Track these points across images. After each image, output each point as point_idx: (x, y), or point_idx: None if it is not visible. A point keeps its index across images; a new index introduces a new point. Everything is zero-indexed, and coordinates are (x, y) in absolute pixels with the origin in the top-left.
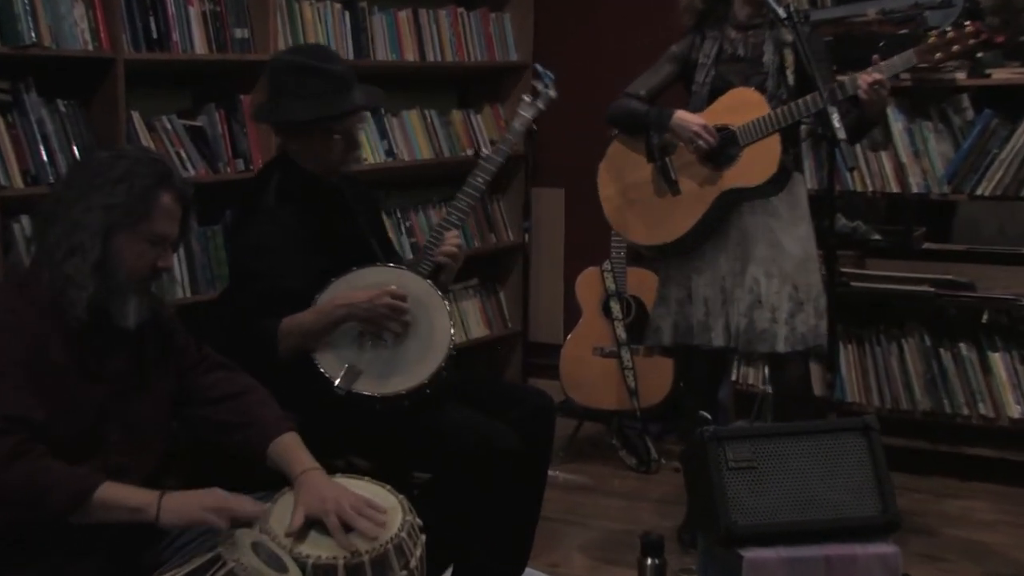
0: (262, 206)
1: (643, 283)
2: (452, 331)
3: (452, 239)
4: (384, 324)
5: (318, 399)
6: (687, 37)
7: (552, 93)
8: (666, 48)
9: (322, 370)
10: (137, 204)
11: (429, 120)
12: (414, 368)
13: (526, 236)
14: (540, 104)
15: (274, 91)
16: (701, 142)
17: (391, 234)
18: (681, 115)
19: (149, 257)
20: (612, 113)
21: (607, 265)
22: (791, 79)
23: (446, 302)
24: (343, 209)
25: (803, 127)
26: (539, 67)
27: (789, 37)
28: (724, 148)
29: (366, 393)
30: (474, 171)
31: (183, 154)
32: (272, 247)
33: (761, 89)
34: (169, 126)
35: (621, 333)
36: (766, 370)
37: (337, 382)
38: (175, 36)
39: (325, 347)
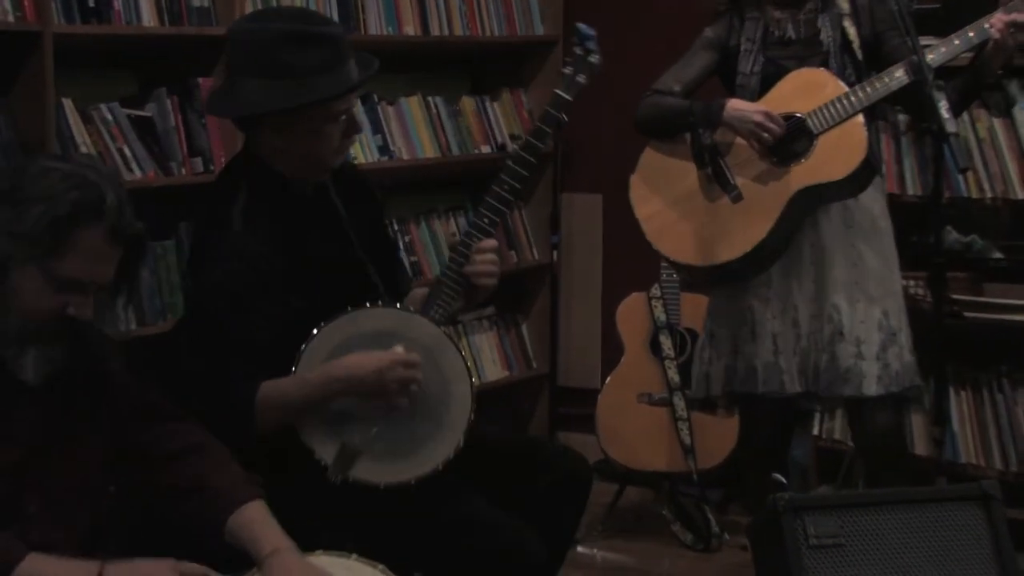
0: (225, 231)
1: (700, 312)
2: (472, 402)
3: (487, 255)
4: (392, 398)
5: (299, 479)
6: (723, 18)
7: (596, 60)
8: (701, 33)
9: (311, 448)
10: (44, 235)
11: (434, 109)
12: (426, 448)
13: (554, 254)
14: (581, 77)
15: (235, 71)
16: (766, 133)
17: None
18: (736, 103)
19: (54, 301)
20: (643, 117)
21: (656, 290)
22: (859, 55)
23: (465, 359)
24: (331, 226)
25: (902, 118)
26: (581, 27)
27: (846, 6)
28: (792, 140)
29: (367, 481)
30: (507, 164)
31: (127, 152)
32: (239, 290)
33: None
34: (109, 116)
35: (673, 375)
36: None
37: (330, 467)
38: (117, 5)
39: (312, 420)
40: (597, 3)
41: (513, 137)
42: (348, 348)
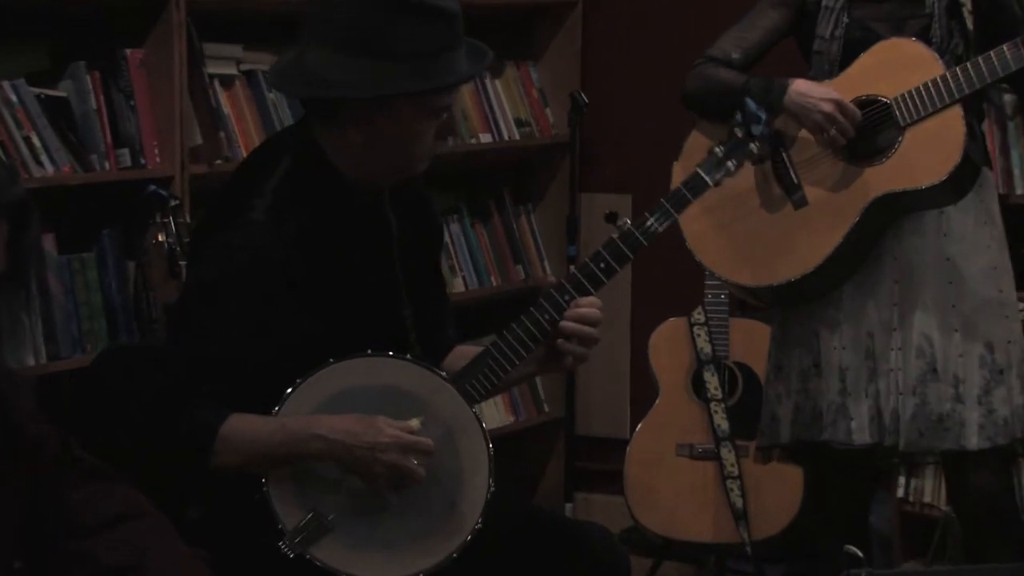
0: (241, 218)
1: (754, 343)
2: (485, 505)
3: (589, 312)
4: (380, 486)
5: (251, 542)
6: None
7: (756, 148)
8: None
9: (272, 506)
10: None
11: None
12: (413, 547)
13: (571, 270)
14: (733, 163)
15: (312, 39)
16: (834, 130)
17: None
18: (801, 86)
19: None
20: (691, 90)
21: (699, 315)
22: (969, 22)
23: (491, 451)
24: (376, 246)
25: (1008, 99)
26: (751, 104)
27: None
28: (873, 132)
29: (327, 566)
30: (599, 251)
31: (35, 141)
32: (237, 294)
33: (924, 41)
34: (13, 97)
35: (721, 422)
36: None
37: (287, 534)
38: None
39: (285, 473)
40: None
41: (520, 123)
42: (351, 401)
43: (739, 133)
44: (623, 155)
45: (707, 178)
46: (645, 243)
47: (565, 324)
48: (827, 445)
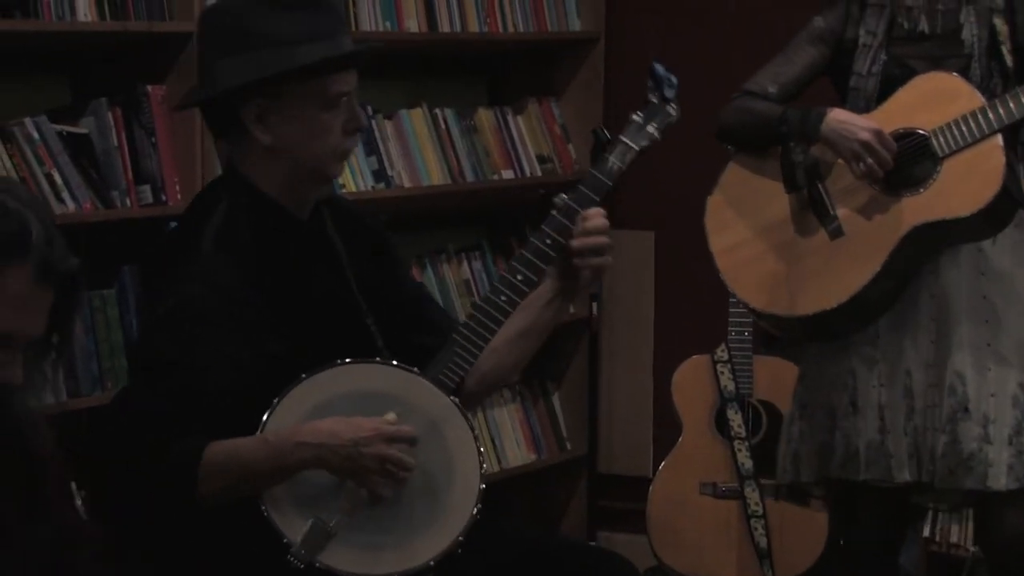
0: (191, 252)
1: (779, 381)
2: (481, 483)
3: (595, 222)
4: (373, 482)
5: (256, 565)
6: (837, 5)
7: (673, 111)
8: (807, 22)
9: (274, 522)
10: None
11: (442, 125)
12: (417, 539)
13: (593, 306)
14: (654, 128)
15: (207, 58)
16: (871, 160)
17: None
18: (840, 115)
19: None
20: (727, 122)
21: (723, 352)
22: (1009, 61)
23: (476, 433)
24: (325, 263)
25: None
26: (659, 68)
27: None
28: (911, 163)
29: (336, 570)
30: (541, 229)
31: (57, 178)
32: (198, 322)
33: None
34: (35, 134)
35: (745, 460)
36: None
37: (294, 546)
38: None
39: (279, 488)
40: None
41: (542, 160)
42: (330, 411)
43: (653, 99)
44: (645, 192)
45: (632, 143)
46: (581, 211)
47: (577, 242)
48: (865, 484)
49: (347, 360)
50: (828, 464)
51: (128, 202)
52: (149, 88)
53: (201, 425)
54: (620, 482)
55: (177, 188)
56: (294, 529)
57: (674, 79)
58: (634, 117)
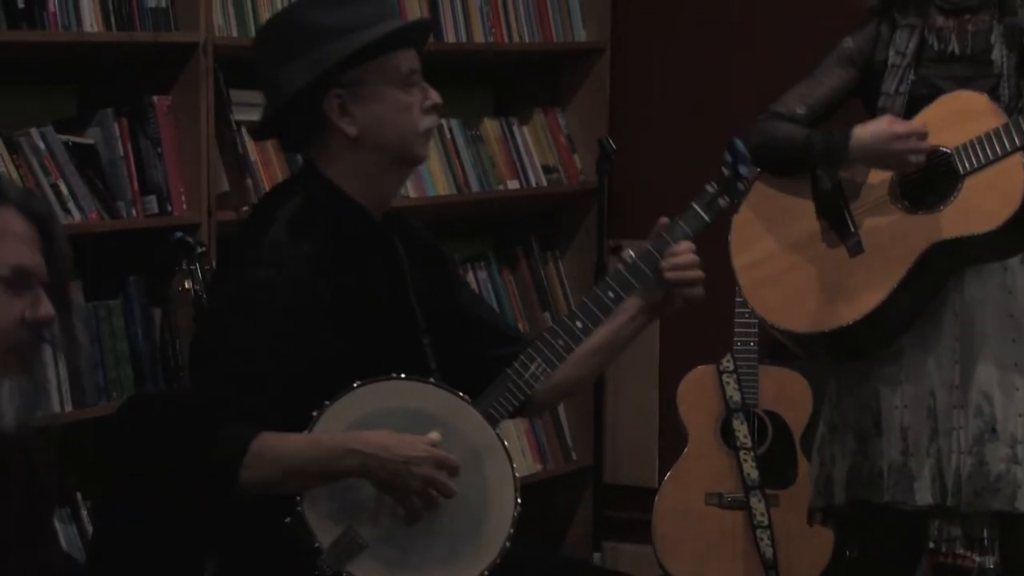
0: (264, 236)
1: (784, 391)
2: (512, 524)
3: (685, 257)
4: (412, 501)
5: (282, 562)
6: (867, 26)
7: (744, 187)
8: (834, 41)
9: (308, 524)
10: None
11: (448, 135)
12: (445, 565)
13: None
14: (725, 201)
15: (274, 64)
16: (912, 156)
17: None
18: (862, 132)
19: (9, 306)
20: (758, 146)
21: (728, 363)
22: None
23: (515, 471)
24: (390, 268)
25: None
26: (739, 142)
27: None
28: (934, 182)
29: None
30: (604, 281)
31: (63, 188)
32: (265, 306)
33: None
34: (42, 144)
35: (751, 470)
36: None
37: (324, 551)
38: (52, 6)
39: (320, 491)
40: (654, 5)
41: (548, 170)
42: (378, 423)
43: (726, 172)
44: (651, 202)
45: (703, 214)
46: (650, 274)
47: (672, 275)
48: (887, 507)
49: (402, 376)
50: (855, 486)
51: (134, 212)
52: (155, 98)
53: (254, 408)
54: (626, 492)
55: (183, 198)
56: (326, 534)
57: (750, 155)
58: (707, 188)
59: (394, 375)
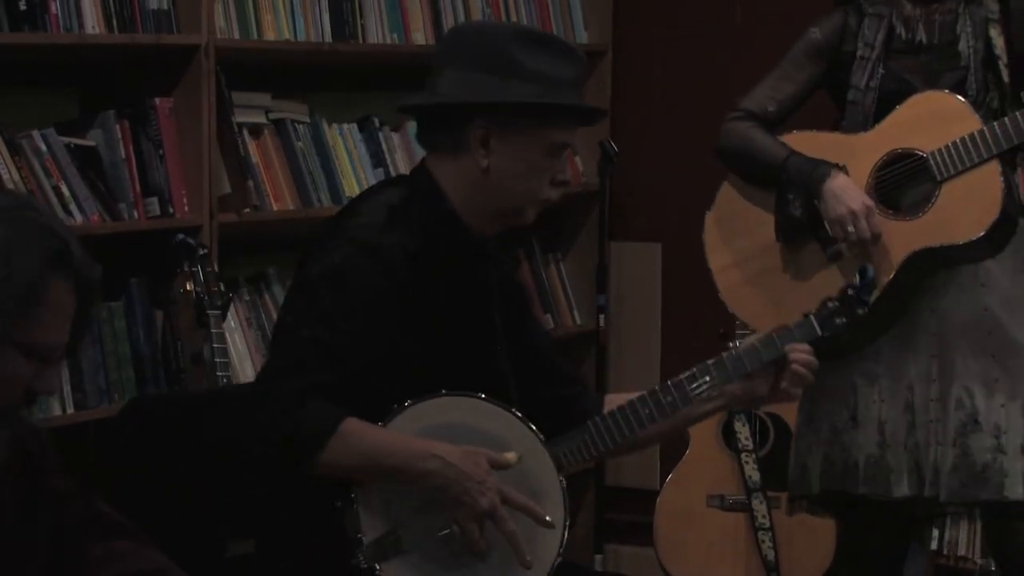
0: (364, 219)
1: None
2: (555, 566)
3: (809, 355)
4: (470, 523)
5: (319, 552)
6: (833, 16)
7: (862, 312)
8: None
9: (358, 512)
10: (14, 301)
11: None
12: None
13: (601, 318)
14: (842, 321)
15: (448, 66)
16: (851, 228)
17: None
18: (841, 184)
19: (22, 376)
20: (727, 148)
21: None
22: (1005, 75)
23: (567, 524)
24: (479, 289)
25: None
26: (870, 269)
27: (995, 8)
28: (909, 186)
29: None
30: (703, 364)
31: (65, 190)
32: (359, 284)
33: (958, 92)
34: (43, 146)
35: (752, 472)
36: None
37: (365, 545)
38: (54, 8)
39: (374, 488)
40: (655, 7)
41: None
42: (452, 437)
43: (851, 293)
44: (653, 204)
45: (818, 329)
46: (749, 370)
47: (795, 368)
48: (864, 499)
49: (484, 397)
50: (830, 477)
51: (135, 214)
52: (157, 101)
53: (328, 380)
54: (627, 494)
55: (184, 200)
56: (372, 528)
57: (872, 273)
58: (829, 304)
59: (482, 395)
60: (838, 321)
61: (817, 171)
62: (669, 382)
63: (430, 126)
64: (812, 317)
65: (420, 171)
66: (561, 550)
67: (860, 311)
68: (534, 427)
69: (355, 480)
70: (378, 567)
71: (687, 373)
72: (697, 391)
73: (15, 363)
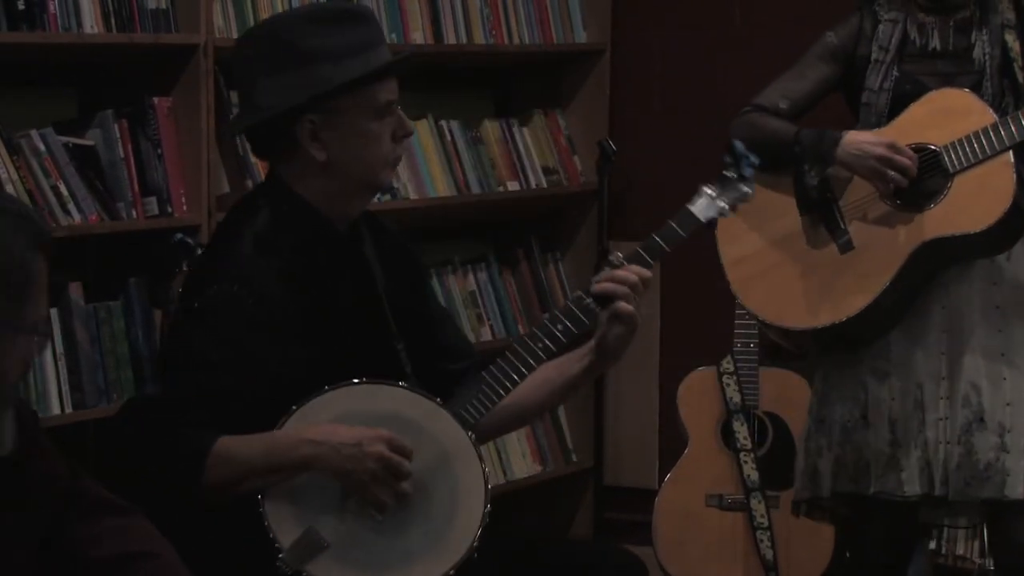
0: (232, 250)
1: (784, 393)
2: (481, 525)
3: (625, 272)
4: (368, 488)
5: (247, 565)
6: (850, 21)
7: (748, 189)
8: (819, 38)
9: (267, 524)
10: (15, 285)
11: (448, 136)
12: (409, 567)
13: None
14: (725, 202)
15: (247, 79)
16: (891, 172)
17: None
18: (853, 138)
19: (32, 354)
20: (737, 137)
21: (728, 364)
22: (1021, 78)
23: (487, 478)
24: (360, 280)
25: None
26: (739, 144)
27: (1011, 16)
28: (922, 179)
29: None
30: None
31: (63, 190)
32: (229, 321)
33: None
34: (42, 146)
35: (751, 472)
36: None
37: (284, 551)
38: (52, 7)
39: (281, 491)
40: (654, 7)
41: (548, 172)
42: (350, 424)
43: (729, 174)
44: (651, 203)
45: (698, 216)
46: (651, 260)
47: (596, 287)
48: (875, 498)
49: (372, 379)
50: (841, 478)
51: (134, 214)
52: (155, 100)
53: (216, 420)
54: (626, 494)
55: (183, 200)
56: (287, 535)
57: (754, 159)
58: (705, 189)
59: (364, 379)
60: (721, 203)
61: (827, 136)
62: (555, 310)
63: (260, 139)
64: (689, 206)
65: (275, 185)
66: (487, 500)
67: (745, 187)
68: (426, 392)
69: (259, 494)
70: (303, 570)
71: (550, 314)
72: (564, 329)
73: (27, 343)
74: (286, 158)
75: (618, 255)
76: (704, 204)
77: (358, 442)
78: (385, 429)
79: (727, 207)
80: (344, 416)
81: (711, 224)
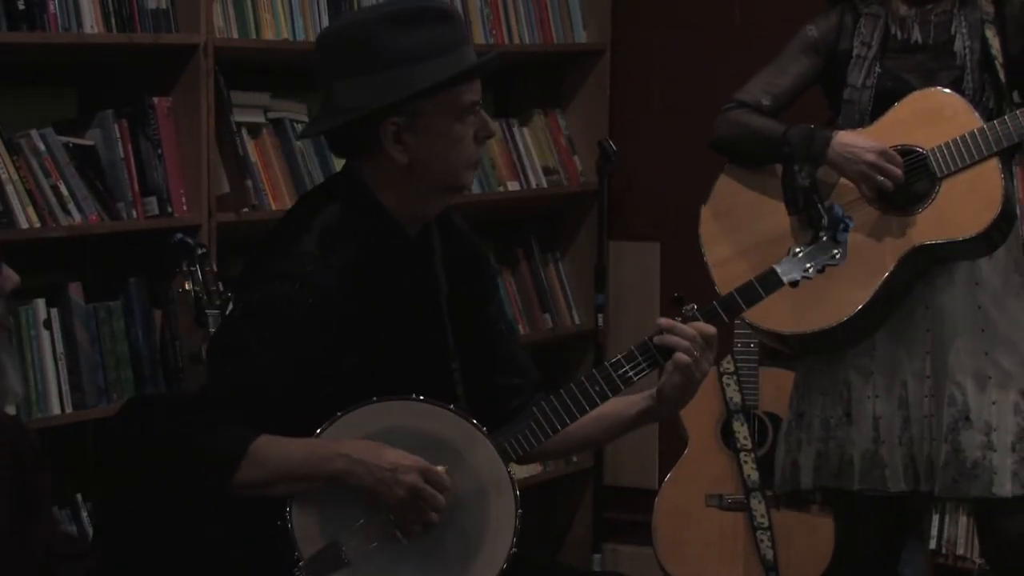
0: (294, 246)
1: (784, 393)
2: (509, 556)
3: (689, 329)
4: (395, 513)
5: (252, 567)
6: (830, 14)
7: (839, 255)
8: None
9: (292, 531)
10: None
11: None
12: None
13: (599, 318)
14: (812, 266)
15: (327, 81)
16: (880, 178)
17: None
18: (844, 139)
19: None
20: (724, 137)
21: (728, 364)
22: (1002, 75)
23: (519, 515)
24: (424, 286)
25: None
26: (838, 207)
27: (990, 9)
28: (908, 182)
29: None
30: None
31: (63, 190)
32: (284, 315)
33: (954, 91)
34: (42, 146)
35: (751, 472)
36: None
37: (304, 562)
38: (52, 7)
39: (311, 501)
40: (654, 7)
41: (548, 172)
42: (389, 441)
43: (823, 237)
44: (651, 203)
45: (783, 277)
46: (725, 317)
47: (657, 339)
48: (860, 495)
49: (421, 397)
50: (823, 473)
51: (134, 214)
52: (155, 100)
53: (255, 419)
54: (626, 494)
55: (183, 200)
56: (309, 545)
57: (851, 222)
58: (795, 249)
59: (414, 396)
60: (809, 266)
61: (818, 136)
62: (620, 356)
63: (341, 140)
64: (775, 267)
65: (351, 180)
66: (515, 540)
67: (836, 253)
68: (475, 420)
69: (287, 501)
70: None
71: (614, 359)
72: (624, 375)
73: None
74: (367, 157)
75: (692, 306)
76: (790, 265)
77: (394, 467)
78: (425, 455)
79: (813, 271)
80: (386, 431)
81: (794, 285)
